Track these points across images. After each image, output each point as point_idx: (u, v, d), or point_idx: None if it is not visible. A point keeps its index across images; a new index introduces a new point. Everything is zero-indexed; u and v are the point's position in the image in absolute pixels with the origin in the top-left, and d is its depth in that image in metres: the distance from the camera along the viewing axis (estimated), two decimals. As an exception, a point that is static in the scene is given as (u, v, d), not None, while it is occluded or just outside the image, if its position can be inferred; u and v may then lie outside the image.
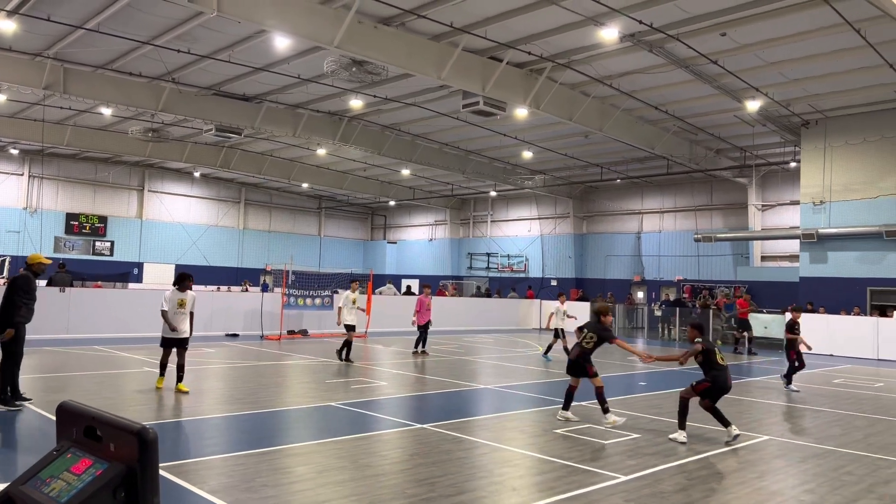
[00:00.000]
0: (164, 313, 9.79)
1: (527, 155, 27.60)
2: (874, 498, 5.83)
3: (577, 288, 33.30)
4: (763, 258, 28.29)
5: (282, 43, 16.18)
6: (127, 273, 33.36)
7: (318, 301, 20.88)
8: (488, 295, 33.37)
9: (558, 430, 8.10)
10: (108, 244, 34.83)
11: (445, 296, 30.57)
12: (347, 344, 14.09)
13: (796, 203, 24.41)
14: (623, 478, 6.13)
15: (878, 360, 18.91)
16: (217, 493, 5.32)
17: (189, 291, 10.00)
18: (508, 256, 37.49)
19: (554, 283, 34.69)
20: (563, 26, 15.28)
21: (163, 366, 9.95)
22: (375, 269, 36.34)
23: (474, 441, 7.48)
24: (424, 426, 8.15)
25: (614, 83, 18.87)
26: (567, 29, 15.37)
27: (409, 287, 32.35)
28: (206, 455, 6.61)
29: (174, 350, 9.90)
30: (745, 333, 20.44)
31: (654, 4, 13.89)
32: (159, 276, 34.69)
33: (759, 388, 12.88)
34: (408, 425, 8.23)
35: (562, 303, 16.85)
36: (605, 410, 8.46)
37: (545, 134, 24.51)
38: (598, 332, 8.71)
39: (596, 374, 8.63)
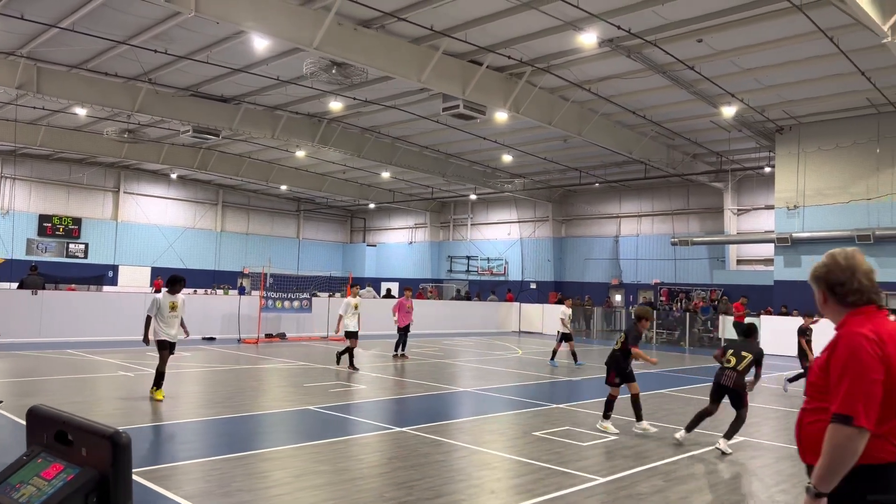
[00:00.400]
0: (147, 319, 9.48)
1: (507, 158, 27.72)
2: (846, 497, 5.93)
3: (555, 291, 33.46)
4: (738, 262, 28.67)
5: (260, 44, 16.07)
6: (101, 276, 32.88)
7: (296, 304, 20.75)
8: (468, 298, 33.40)
9: (537, 433, 8.13)
10: (83, 246, 34.29)
11: (425, 299, 30.56)
12: (349, 351, 13.60)
13: (771, 207, 24.79)
14: (601, 479, 6.17)
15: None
16: (192, 498, 5.25)
17: (180, 294, 9.77)
18: (488, 259, 37.57)
19: (533, 286, 34.84)
20: (542, 31, 15.37)
21: (160, 374, 9.48)
22: (355, 271, 36.21)
23: (453, 444, 7.48)
24: (403, 429, 8.13)
25: (593, 88, 19.02)
26: (546, 33, 15.47)
27: (388, 290, 32.27)
28: (182, 460, 6.53)
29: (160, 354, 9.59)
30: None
31: (633, 10, 14.04)
32: (135, 278, 34.24)
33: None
34: (386, 429, 8.20)
35: (568, 306, 16.68)
36: (605, 416, 8.42)
37: (525, 138, 24.63)
38: (627, 333, 8.50)
39: (615, 385, 8.43)
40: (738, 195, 28.19)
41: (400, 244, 42.72)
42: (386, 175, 31.98)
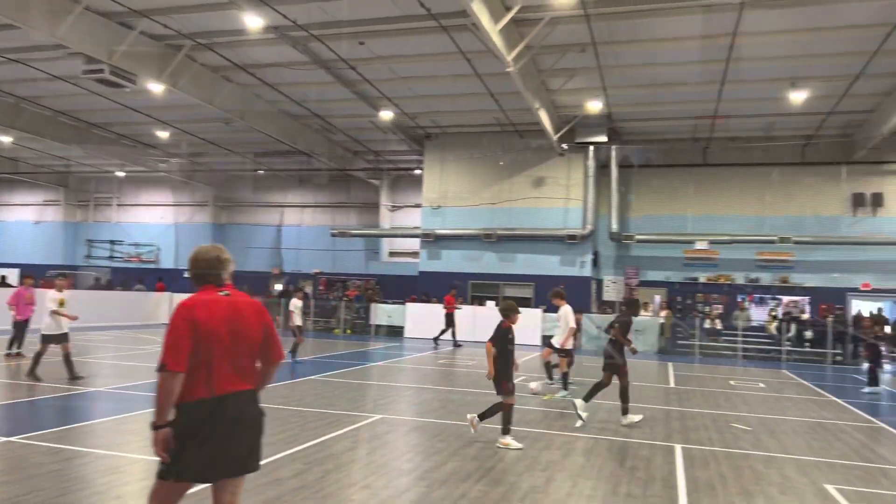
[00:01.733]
0: None
1: (163, 135, 25.55)
2: (457, 460, 6.87)
3: (213, 280, 32.03)
4: (391, 254, 31.06)
5: None
6: None
7: None
8: (109, 287, 30.01)
9: (178, 429, 7.66)
10: None
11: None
12: (66, 357, 11.26)
13: (419, 206, 27.41)
14: (242, 470, 6.08)
15: (476, 342, 22.27)
16: None
17: None
18: (137, 245, 34.23)
19: (187, 274, 32.81)
20: (204, 5, 14.56)
21: None
22: (-42, 254, 29.62)
23: (76, 450, 6.63)
24: (10, 439, 6.93)
25: (258, 73, 18.69)
26: (209, 9, 14.70)
27: (3, 277, 27.16)
28: None
29: None
30: (451, 328, 20.83)
31: (300, 2, 14.14)
32: None
33: (379, 371, 14.11)
34: (-13, 441, 6.89)
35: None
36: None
37: (183, 115, 23.00)
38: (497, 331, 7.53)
39: (508, 393, 7.37)
40: (393, 193, 30.53)
41: (23, 223, 36.29)
42: (7, 140, 26.84)
